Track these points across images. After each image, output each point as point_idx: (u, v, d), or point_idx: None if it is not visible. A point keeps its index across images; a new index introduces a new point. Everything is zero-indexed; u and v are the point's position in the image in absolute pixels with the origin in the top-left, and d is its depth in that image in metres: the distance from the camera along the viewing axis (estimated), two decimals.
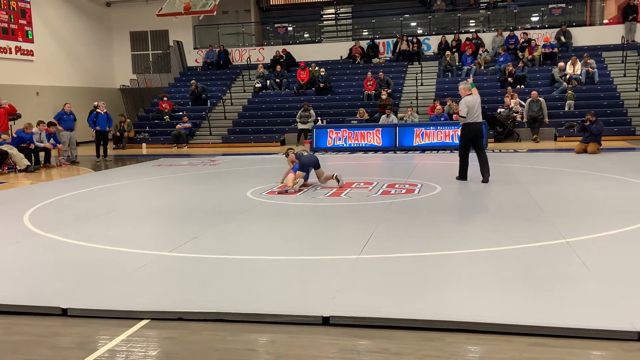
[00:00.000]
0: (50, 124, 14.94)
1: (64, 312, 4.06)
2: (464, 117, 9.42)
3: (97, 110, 16.14)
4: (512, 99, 17.35)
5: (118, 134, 19.40)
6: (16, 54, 19.64)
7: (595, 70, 18.88)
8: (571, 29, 21.39)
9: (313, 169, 9.32)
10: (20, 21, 19.87)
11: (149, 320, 3.89)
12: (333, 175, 9.26)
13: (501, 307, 3.85)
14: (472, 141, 9.57)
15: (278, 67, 21.89)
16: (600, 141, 13.47)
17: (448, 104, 17.36)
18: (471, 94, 9.60)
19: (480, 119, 9.65)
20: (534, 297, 4.04)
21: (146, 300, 4.16)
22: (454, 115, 10.90)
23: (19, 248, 5.95)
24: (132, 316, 3.93)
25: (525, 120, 16.96)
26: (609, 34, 21.23)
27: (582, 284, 4.31)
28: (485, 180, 9.33)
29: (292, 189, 8.83)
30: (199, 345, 3.53)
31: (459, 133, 9.99)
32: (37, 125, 14.44)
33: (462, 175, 9.72)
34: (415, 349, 3.35)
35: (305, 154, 9.49)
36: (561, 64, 19.12)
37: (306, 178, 9.34)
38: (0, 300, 4.26)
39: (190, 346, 3.51)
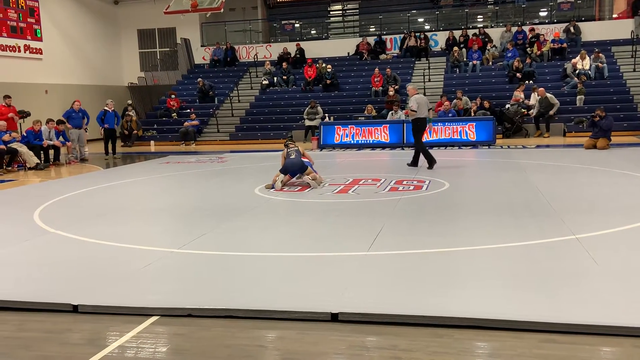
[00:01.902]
0: (59, 121, 15.03)
1: (75, 309, 4.09)
2: (415, 112, 10.80)
3: (106, 107, 16.22)
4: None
5: (126, 132, 19.48)
6: (25, 52, 19.75)
7: (605, 65, 18.75)
8: (580, 24, 21.23)
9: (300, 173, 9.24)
10: (28, 19, 19.98)
11: (158, 317, 3.91)
12: (319, 178, 9.16)
13: (511, 304, 3.84)
14: (422, 133, 11.05)
15: (284, 64, 21.89)
16: (609, 137, 13.37)
17: (459, 96, 17.33)
18: (418, 93, 11.11)
19: (427, 115, 11.10)
20: (544, 293, 4.02)
21: (156, 297, 4.19)
22: (404, 111, 11.62)
23: (29, 245, 5.99)
24: (142, 312, 3.96)
25: (533, 115, 16.83)
26: (619, 28, 21.05)
27: (592, 280, 4.29)
28: (431, 166, 10.71)
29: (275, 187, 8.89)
30: (209, 341, 3.54)
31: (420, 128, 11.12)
32: (46, 124, 14.53)
33: (431, 162, 10.77)
34: (424, 345, 3.35)
35: (293, 156, 9.24)
36: (574, 60, 18.99)
37: (293, 175, 9.26)
38: (11, 297, 4.30)
39: (200, 342, 3.53)
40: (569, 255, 4.95)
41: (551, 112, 16.58)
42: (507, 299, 3.95)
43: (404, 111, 11.69)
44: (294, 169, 9.19)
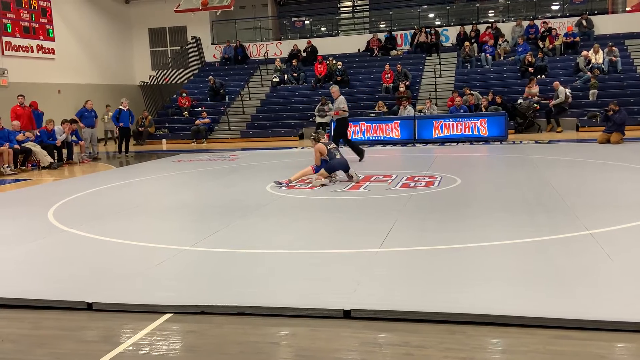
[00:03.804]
0: (72, 121, 15.16)
1: (89, 307, 4.12)
2: (347, 112, 11.79)
3: (120, 106, 16.36)
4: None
5: (141, 129, 19.60)
6: (38, 52, 19.93)
7: (618, 58, 18.55)
8: (593, 17, 21.02)
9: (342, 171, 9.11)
10: (41, 20, 20.15)
11: (171, 314, 3.93)
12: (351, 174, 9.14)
13: (524, 300, 3.81)
14: (346, 130, 12.07)
15: (294, 61, 21.88)
16: (623, 131, 13.24)
17: (466, 92, 17.24)
18: (341, 95, 11.93)
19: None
20: (558, 289, 3.99)
21: (169, 294, 4.21)
22: (333, 112, 11.85)
23: (44, 244, 6.05)
24: (155, 310, 3.98)
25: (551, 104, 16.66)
26: (632, 21, 20.81)
27: (607, 276, 4.25)
28: (362, 158, 11.67)
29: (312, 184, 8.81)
30: (221, 338, 3.55)
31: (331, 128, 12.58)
32: (61, 124, 14.67)
33: (361, 154, 11.74)
34: (437, 342, 3.34)
35: (338, 156, 9.05)
36: (585, 52, 18.82)
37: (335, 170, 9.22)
38: (27, 295, 4.34)
39: (213, 340, 3.54)
40: (583, 250, 4.91)
41: (551, 104, 16.43)
42: (521, 295, 3.92)
43: (332, 112, 11.97)
44: (341, 168, 9.02)
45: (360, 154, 11.77)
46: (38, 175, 12.62)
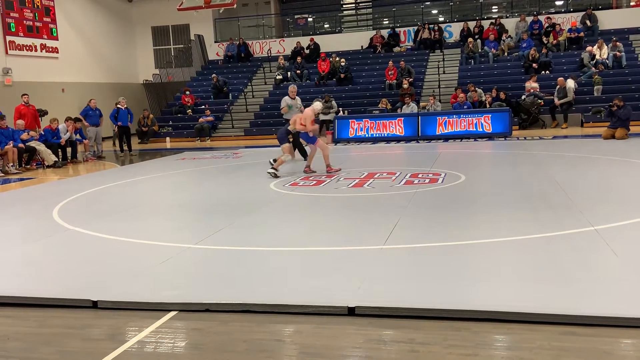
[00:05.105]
0: (76, 119, 15.20)
1: (95, 305, 4.13)
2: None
3: (118, 105, 16.39)
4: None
5: (145, 129, 19.63)
6: (41, 51, 19.96)
7: (623, 53, 18.46)
8: (597, 12, 20.91)
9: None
10: (44, 19, 20.18)
11: (176, 312, 3.94)
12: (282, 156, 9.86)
13: (529, 296, 3.81)
14: None
15: (299, 59, 21.87)
16: (628, 126, 13.19)
17: (470, 89, 17.19)
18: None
19: None
20: (563, 285, 3.98)
21: (174, 292, 4.22)
22: (301, 107, 12.58)
23: (49, 242, 6.07)
24: (160, 308, 3.99)
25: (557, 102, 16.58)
26: (636, 16, 20.69)
27: (612, 272, 4.24)
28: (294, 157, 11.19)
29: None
30: (226, 336, 3.56)
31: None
32: (64, 122, 14.70)
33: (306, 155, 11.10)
34: (442, 339, 3.34)
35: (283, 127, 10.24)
36: (589, 48, 18.74)
37: (310, 141, 9.96)
38: (33, 294, 4.36)
39: (218, 337, 3.55)
40: (587, 246, 4.90)
41: (557, 102, 16.37)
42: (526, 291, 3.91)
43: (301, 107, 12.77)
44: (279, 137, 10.11)
45: (303, 155, 11.31)
46: (43, 174, 12.66)
